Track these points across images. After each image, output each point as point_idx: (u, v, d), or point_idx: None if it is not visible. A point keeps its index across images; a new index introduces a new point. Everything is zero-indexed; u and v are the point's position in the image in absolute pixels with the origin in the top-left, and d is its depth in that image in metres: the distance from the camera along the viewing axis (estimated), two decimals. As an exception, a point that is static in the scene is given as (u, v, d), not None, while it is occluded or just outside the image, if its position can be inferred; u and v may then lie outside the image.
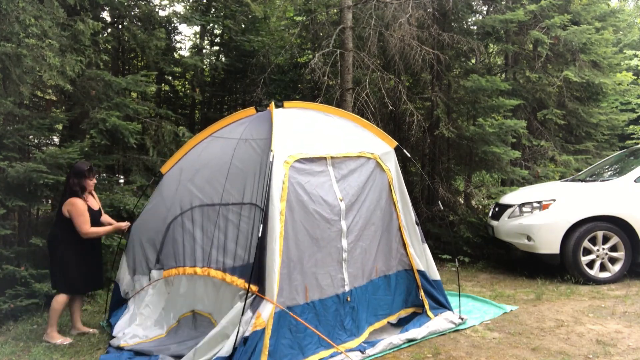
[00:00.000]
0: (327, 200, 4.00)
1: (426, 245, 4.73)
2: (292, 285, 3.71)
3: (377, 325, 4.32)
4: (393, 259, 4.53)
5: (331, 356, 3.74)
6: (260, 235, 3.57)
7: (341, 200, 4.09)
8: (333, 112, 4.62)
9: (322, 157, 4.14)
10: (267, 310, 3.49)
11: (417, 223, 4.67)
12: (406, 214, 4.64)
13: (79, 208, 4.33)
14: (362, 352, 3.85)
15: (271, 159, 3.70)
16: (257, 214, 3.79)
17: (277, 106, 4.32)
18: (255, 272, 3.56)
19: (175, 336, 4.10)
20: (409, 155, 4.86)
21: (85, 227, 4.33)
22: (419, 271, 4.60)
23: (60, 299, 4.41)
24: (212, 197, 4.23)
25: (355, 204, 4.22)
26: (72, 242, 4.39)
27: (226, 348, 3.42)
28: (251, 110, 4.50)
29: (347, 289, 4.03)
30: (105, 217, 4.77)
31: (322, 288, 3.88)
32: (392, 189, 4.56)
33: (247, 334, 3.42)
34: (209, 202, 4.24)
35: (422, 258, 4.66)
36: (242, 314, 3.45)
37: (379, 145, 4.61)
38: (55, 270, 4.44)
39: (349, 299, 4.03)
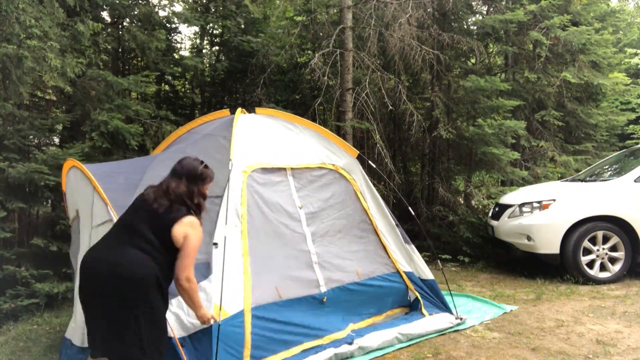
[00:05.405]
0: (286, 208, 4.09)
1: (412, 246, 4.76)
2: (262, 284, 3.76)
3: (362, 324, 4.34)
4: (375, 263, 4.55)
5: (315, 348, 3.79)
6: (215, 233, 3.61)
7: (300, 208, 4.18)
8: (300, 122, 4.68)
9: (281, 167, 4.22)
10: (232, 301, 3.49)
11: (397, 225, 4.72)
12: (382, 219, 4.69)
13: (198, 241, 2.70)
14: (350, 343, 3.90)
15: (230, 167, 3.77)
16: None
17: (249, 112, 4.44)
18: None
19: None
20: (373, 166, 5.02)
21: (192, 271, 2.65)
22: (406, 272, 4.63)
23: None
24: None
25: (317, 212, 4.30)
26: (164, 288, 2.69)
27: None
28: (225, 112, 4.61)
29: (322, 290, 4.07)
30: None
31: (294, 288, 3.93)
32: (358, 196, 4.61)
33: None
34: None
35: (408, 259, 4.70)
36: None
37: (341, 156, 4.69)
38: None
39: (325, 299, 4.06)
